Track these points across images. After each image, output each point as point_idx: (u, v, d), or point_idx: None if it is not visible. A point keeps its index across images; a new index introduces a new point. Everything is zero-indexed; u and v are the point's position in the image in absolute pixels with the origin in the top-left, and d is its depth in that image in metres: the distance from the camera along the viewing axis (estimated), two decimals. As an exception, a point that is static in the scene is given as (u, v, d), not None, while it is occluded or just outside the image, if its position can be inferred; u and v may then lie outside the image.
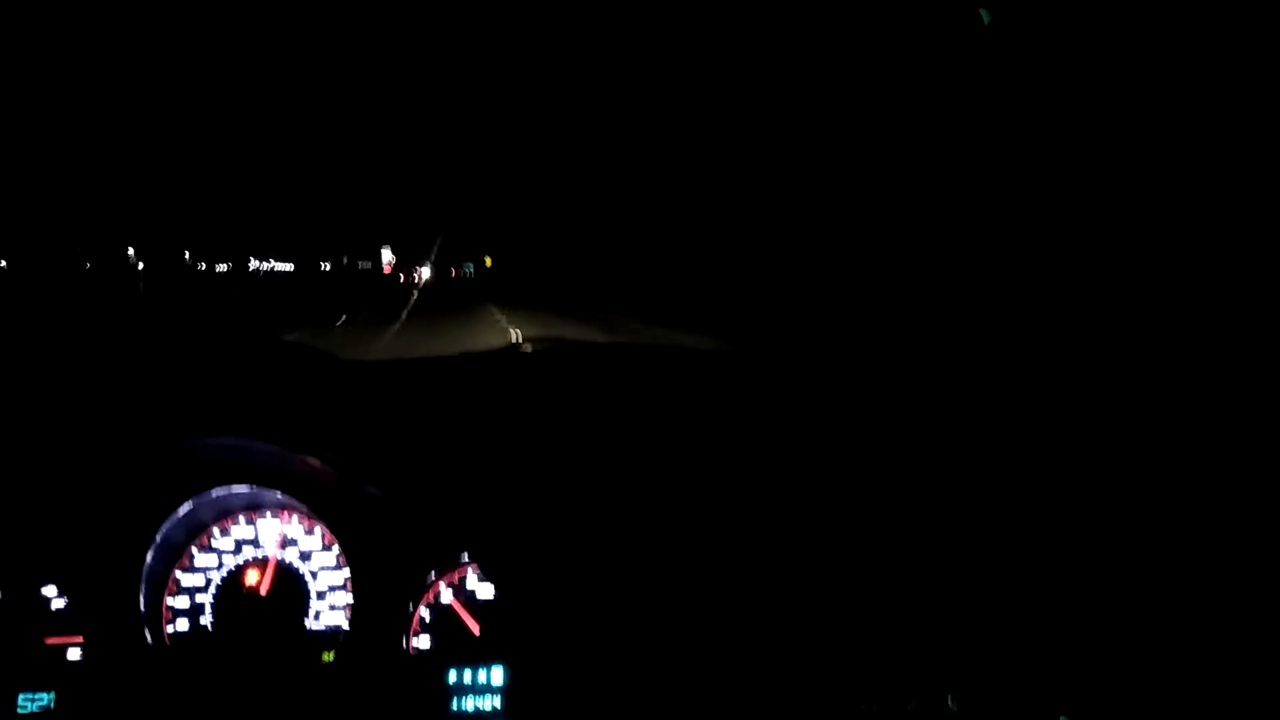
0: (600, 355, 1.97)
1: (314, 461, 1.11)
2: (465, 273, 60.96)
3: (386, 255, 56.16)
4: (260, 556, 1.12)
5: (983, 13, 1.41)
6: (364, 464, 1.13)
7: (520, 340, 1.73)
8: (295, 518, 1.13)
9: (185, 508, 1.08)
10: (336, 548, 1.11)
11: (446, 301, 19.56)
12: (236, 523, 1.12)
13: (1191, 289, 1.49)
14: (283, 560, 1.12)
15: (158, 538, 1.06)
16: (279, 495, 1.11)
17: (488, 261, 57.72)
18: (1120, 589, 1.06)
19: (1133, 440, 1.25)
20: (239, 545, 1.12)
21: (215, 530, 1.12)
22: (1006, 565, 1.07)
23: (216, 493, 1.10)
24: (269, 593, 1.10)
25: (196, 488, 1.08)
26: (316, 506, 1.09)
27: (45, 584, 1.05)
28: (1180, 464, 1.20)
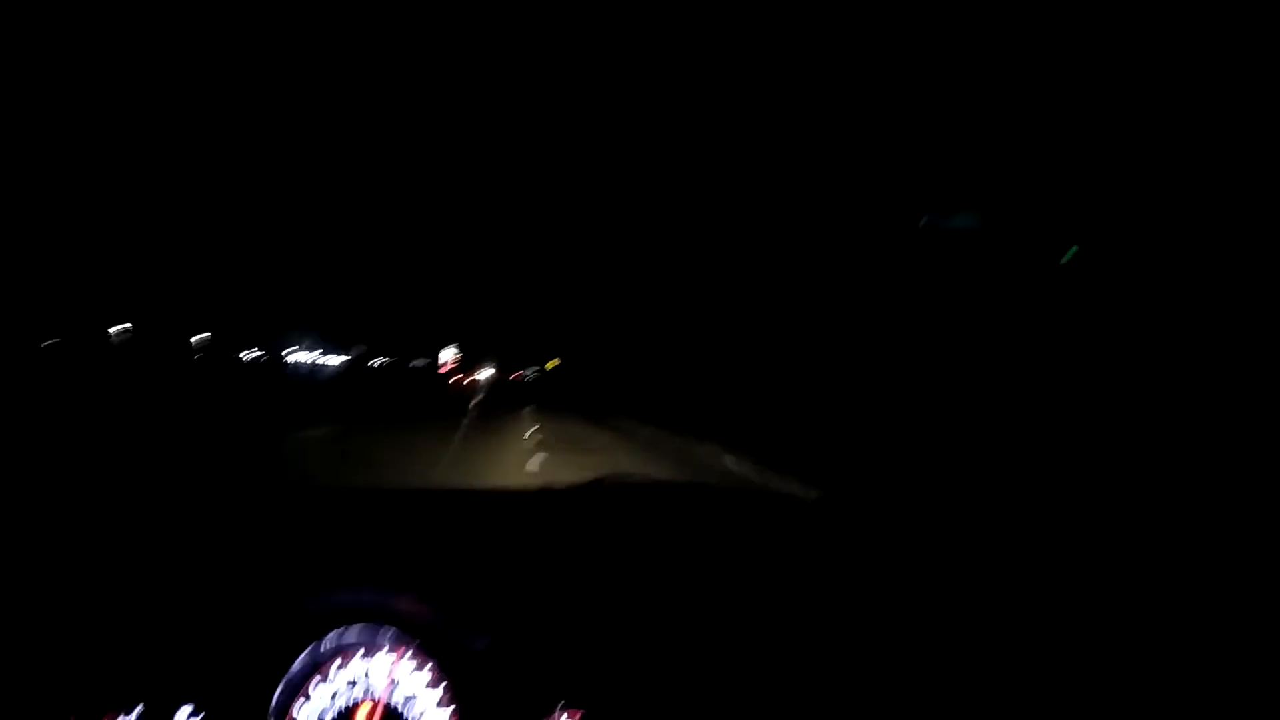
0: (679, 495, 2.12)
1: (415, 604, 1.29)
2: (526, 376, 61.90)
3: (446, 354, 57.40)
4: (372, 694, 1.27)
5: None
6: (462, 608, 1.30)
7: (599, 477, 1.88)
8: (407, 655, 1.28)
9: (305, 652, 1.26)
10: (443, 687, 1.25)
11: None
12: (352, 661, 1.29)
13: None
14: (390, 700, 1.27)
15: (284, 674, 1.24)
16: (392, 633, 1.28)
17: (548, 365, 58.61)
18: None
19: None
20: (353, 681, 1.28)
21: (333, 666, 1.28)
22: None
23: (333, 636, 1.27)
24: None
25: (319, 631, 1.26)
26: (427, 645, 1.26)
27: (183, 704, 1.21)
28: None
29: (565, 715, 1.23)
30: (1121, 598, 1.48)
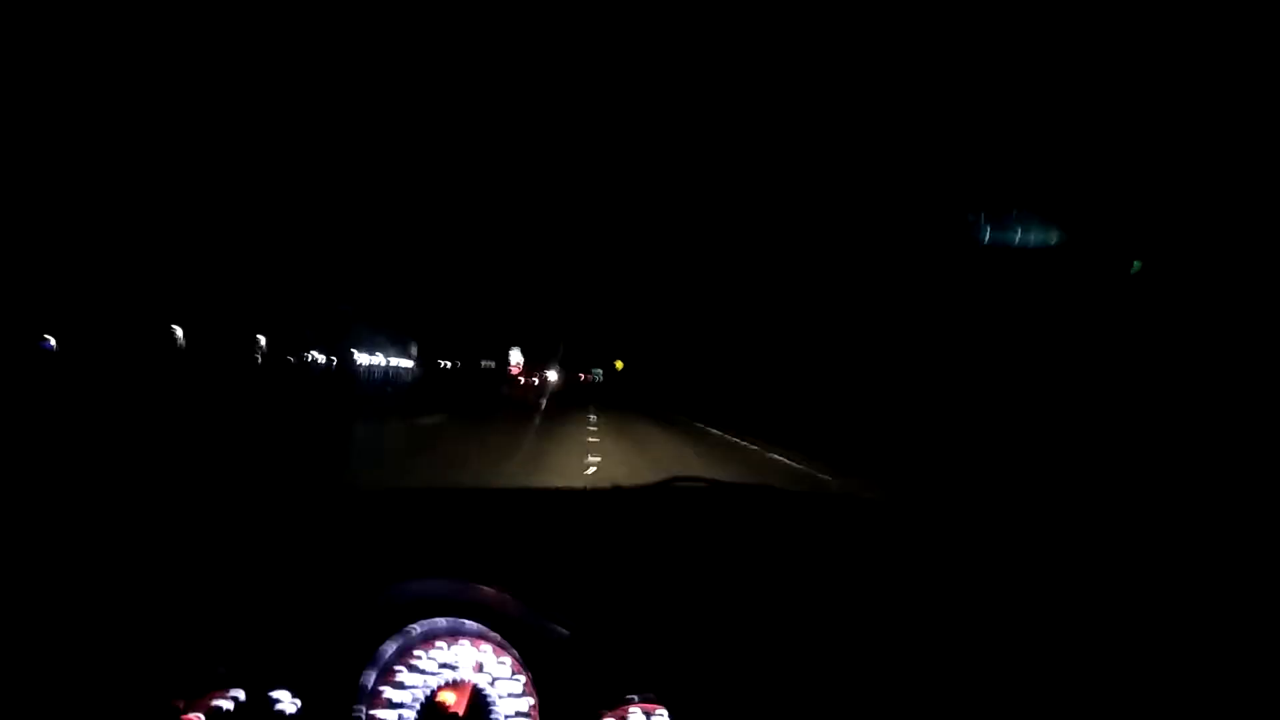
0: (748, 495, 2.14)
1: (498, 597, 1.35)
2: (594, 378, 62.04)
3: (515, 356, 57.99)
4: (457, 680, 1.34)
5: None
6: (544, 599, 1.35)
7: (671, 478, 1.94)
8: (489, 646, 1.35)
9: (395, 638, 1.33)
10: (523, 676, 1.31)
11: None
12: (438, 647, 1.36)
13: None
14: (476, 685, 1.33)
15: (374, 659, 1.31)
16: (475, 625, 1.34)
17: (618, 365, 58.61)
18: None
19: None
20: (439, 668, 1.35)
21: (420, 653, 1.35)
22: None
23: (422, 624, 1.34)
24: (464, 714, 1.31)
25: (407, 620, 1.34)
26: (508, 636, 1.32)
27: (280, 688, 1.30)
28: None
29: (641, 706, 1.27)
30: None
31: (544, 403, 24.72)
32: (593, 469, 9.71)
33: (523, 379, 53.37)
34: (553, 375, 54.50)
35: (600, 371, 63.70)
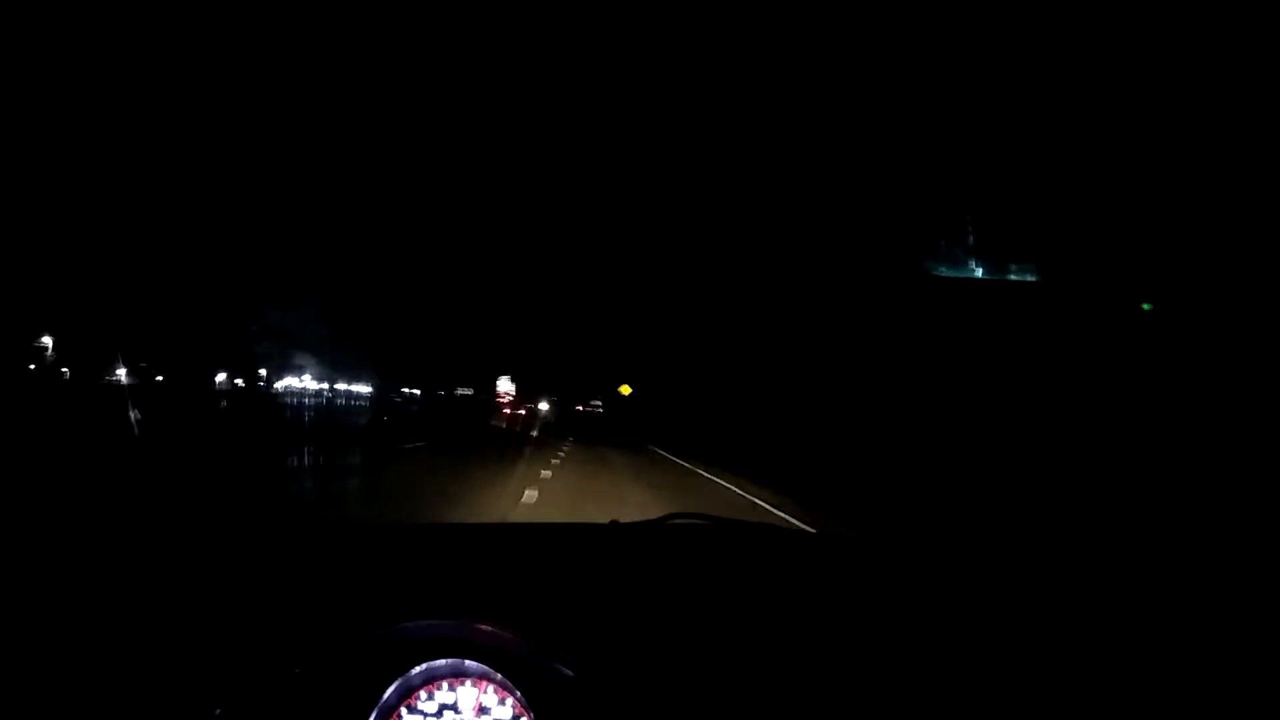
0: (750, 534, 2.19)
1: (498, 636, 1.40)
2: (594, 409, 60.88)
3: (504, 385, 57.26)
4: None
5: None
6: (547, 639, 1.40)
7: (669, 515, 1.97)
8: (492, 687, 1.39)
9: (397, 681, 1.38)
10: (526, 718, 1.36)
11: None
12: (441, 689, 1.40)
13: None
14: None
15: (376, 703, 1.36)
16: (477, 665, 1.39)
17: (624, 390, 57.13)
18: None
19: None
20: (441, 711, 1.39)
21: (423, 694, 1.40)
22: None
23: (423, 666, 1.39)
24: None
25: (409, 661, 1.39)
26: (511, 677, 1.36)
27: None
28: None
29: None
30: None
31: (534, 432, 24.11)
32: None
33: (509, 410, 52.44)
34: (544, 406, 53.81)
35: (600, 403, 62.72)
